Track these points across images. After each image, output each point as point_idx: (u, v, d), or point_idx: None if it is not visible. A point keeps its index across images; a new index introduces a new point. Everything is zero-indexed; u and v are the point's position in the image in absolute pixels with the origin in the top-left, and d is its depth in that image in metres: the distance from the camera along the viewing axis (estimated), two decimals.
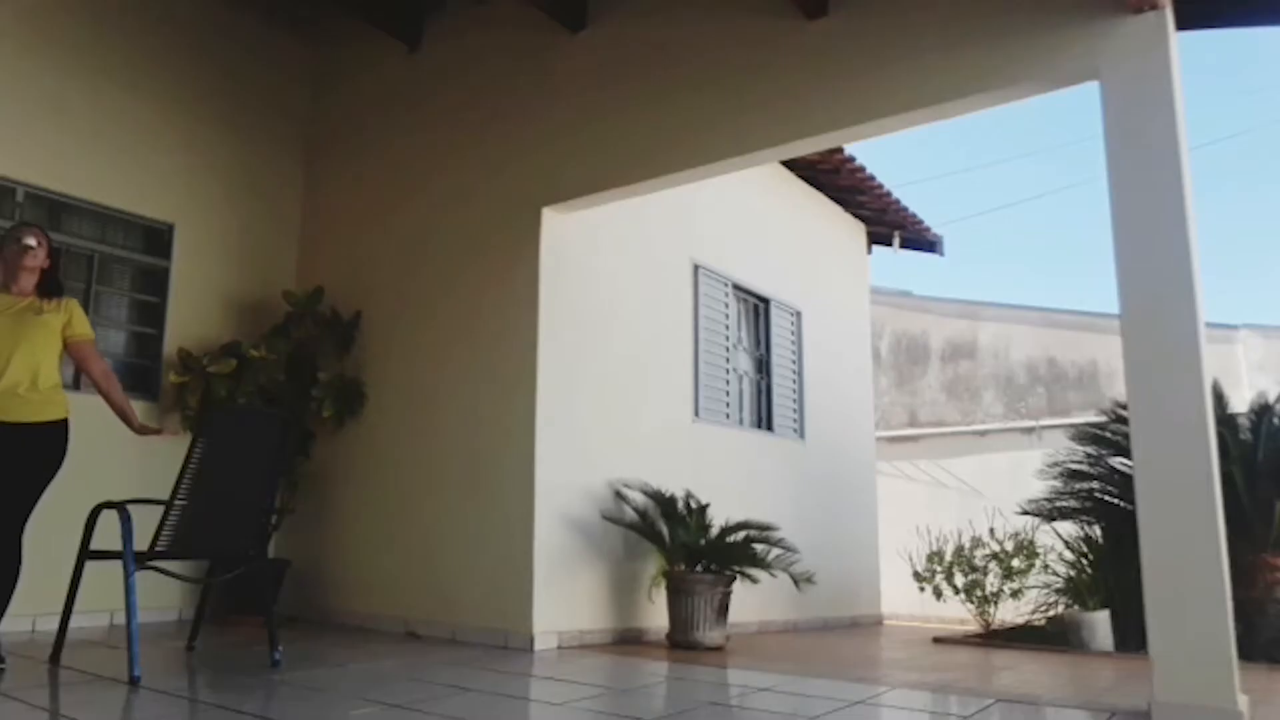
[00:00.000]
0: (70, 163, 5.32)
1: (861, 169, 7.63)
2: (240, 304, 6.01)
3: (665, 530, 5.31)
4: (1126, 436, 3.83)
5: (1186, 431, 3.23)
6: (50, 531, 4.56)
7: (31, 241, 3.60)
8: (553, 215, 5.17)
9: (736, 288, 6.93)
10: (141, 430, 3.86)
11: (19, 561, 3.51)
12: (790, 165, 7.41)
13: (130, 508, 3.51)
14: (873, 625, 7.84)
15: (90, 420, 5.21)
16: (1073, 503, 6.63)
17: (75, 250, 5.36)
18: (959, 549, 7.04)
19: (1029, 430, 11.57)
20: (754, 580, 5.38)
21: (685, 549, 5.23)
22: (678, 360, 6.19)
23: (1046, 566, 6.62)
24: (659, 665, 4.36)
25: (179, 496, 3.56)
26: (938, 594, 7.07)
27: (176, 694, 3.19)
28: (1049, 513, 6.72)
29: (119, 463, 5.21)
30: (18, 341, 3.49)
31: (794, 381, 7.44)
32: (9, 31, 5.14)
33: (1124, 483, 6.17)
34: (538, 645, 4.70)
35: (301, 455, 5.77)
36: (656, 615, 5.43)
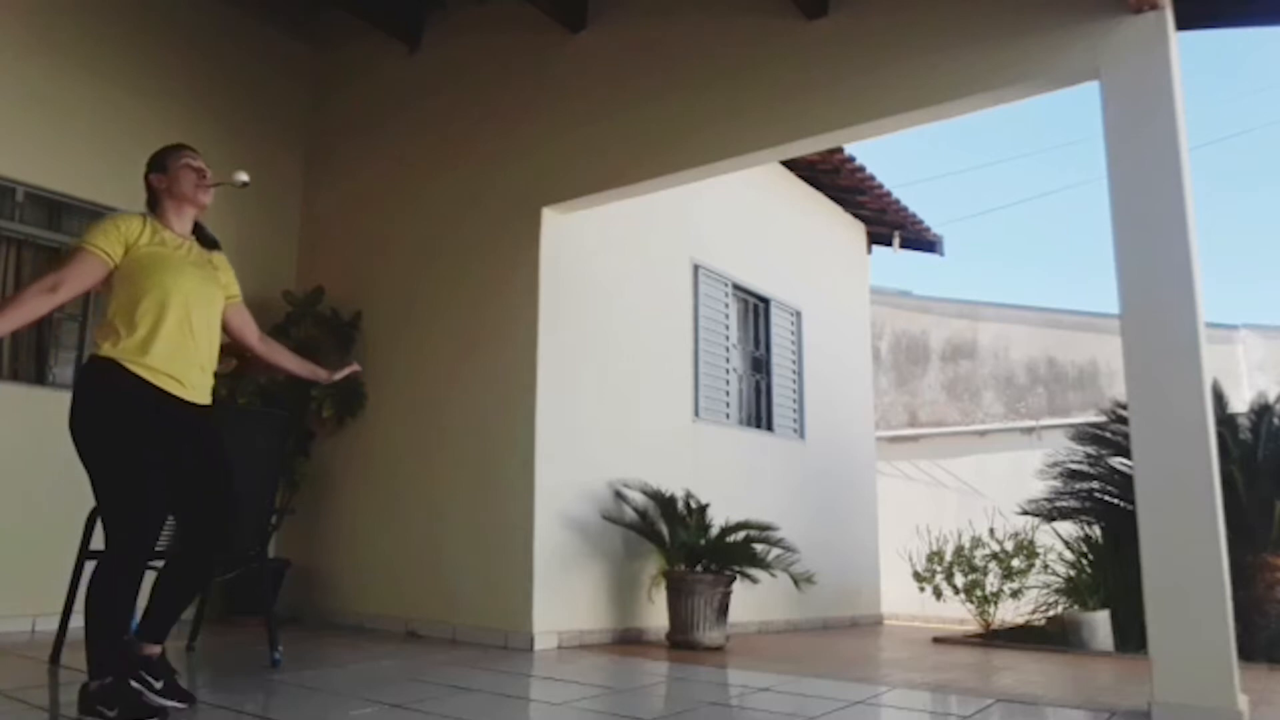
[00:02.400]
0: (70, 163, 5.31)
1: (861, 169, 7.63)
2: None
3: (665, 530, 5.31)
4: (1126, 436, 3.83)
5: (1186, 431, 3.23)
6: (50, 531, 4.57)
7: (242, 177, 3.08)
8: (553, 215, 5.17)
9: (736, 288, 6.94)
10: (330, 377, 3.27)
11: (210, 572, 2.93)
12: (790, 165, 7.41)
13: None
14: (873, 625, 7.84)
15: None
16: (1073, 503, 6.63)
17: None
18: (959, 549, 7.04)
19: (1029, 430, 11.58)
20: (754, 580, 5.38)
21: (685, 549, 5.23)
22: (678, 360, 6.19)
23: (1046, 566, 6.62)
24: (659, 665, 4.36)
25: None
26: (938, 594, 7.07)
27: None
28: (1049, 513, 6.72)
29: None
30: (208, 303, 2.83)
31: (794, 381, 7.44)
32: (9, 32, 5.14)
33: (1124, 483, 6.18)
34: (538, 645, 4.70)
35: (301, 455, 5.77)
36: (656, 615, 5.43)
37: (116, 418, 2.56)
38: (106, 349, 2.61)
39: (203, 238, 2.97)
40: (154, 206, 2.88)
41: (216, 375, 2.78)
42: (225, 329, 2.98)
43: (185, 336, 2.69)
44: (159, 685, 2.68)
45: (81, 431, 2.59)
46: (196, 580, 2.88)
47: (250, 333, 3.11)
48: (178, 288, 2.69)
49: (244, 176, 2.89)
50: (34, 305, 2.54)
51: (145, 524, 2.54)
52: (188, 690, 2.75)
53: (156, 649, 2.76)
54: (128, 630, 2.64)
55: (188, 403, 2.71)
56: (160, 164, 2.93)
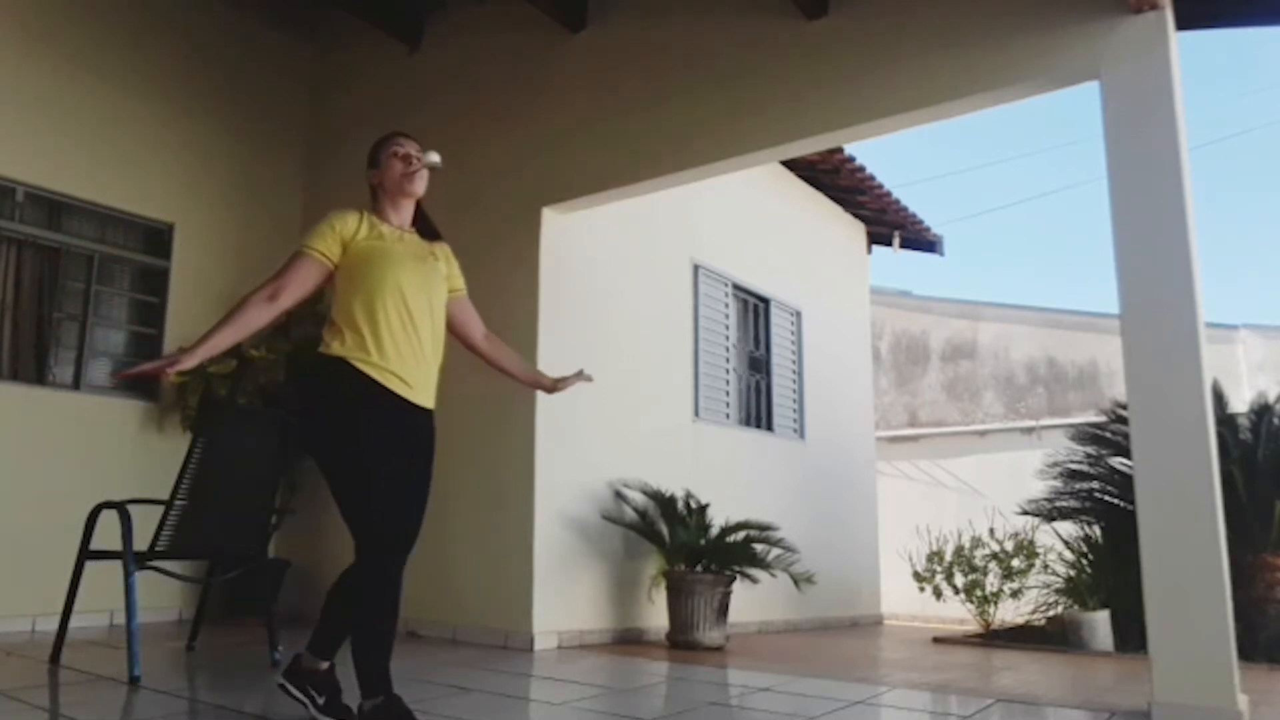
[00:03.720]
0: (70, 163, 5.32)
1: (861, 169, 7.63)
2: None
3: (665, 530, 5.31)
4: (1126, 436, 3.83)
5: (1186, 431, 3.23)
6: (50, 531, 4.57)
7: (434, 159, 2.72)
8: (553, 215, 5.17)
9: (736, 288, 6.93)
10: (555, 386, 3.09)
11: (400, 589, 2.70)
12: (790, 165, 7.41)
13: (130, 508, 3.51)
14: (873, 625, 7.84)
15: (90, 420, 5.24)
16: (1073, 503, 6.63)
17: (75, 250, 5.36)
18: (959, 549, 7.04)
19: (1029, 430, 11.57)
20: (754, 580, 5.38)
21: (685, 549, 5.23)
22: (678, 360, 6.19)
23: (1046, 566, 6.62)
24: (659, 665, 4.36)
25: (179, 496, 3.56)
26: (938, 594, 7.07)
27: (176, 694, 3.18)
28: (1049, 513, 6.72)
29: (119, 463, 5.22)
30: (430, 297, 2.62)
31: (794, 381, 7.44)
32: (9, 33, 5.14)
33: (1124, 483, 6.17)
34: (538, 645, 4.70)
35: (301, 455, 5.77)
36: (656, 615, 5.43)
37: (354, 419, 2.42)
38: (335, 348, 2.49)
39: (424, 229, 2.77)
40: (374, 200, 2.77)
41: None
42: (448, 324, 2.78)
43: (409, 334, 2.53)
44: (321, 701, 2.63)
45: (317, 435, 2.48)
46: (393, 604, 2.67)
47: (475, 329, 2.89)
48: (397, 282, 2.52)
49: (435, 157, 2.68)
50: (255, 315, 2.48)
51: (395, 527, 2.47)
52: (349, 707, 2.61)
53: (324, 665, 2.66)
54: (391, 642, 2.55)
55: (413, 405, 2.54)
56: (373, 158, 2.78)
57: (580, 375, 3.06)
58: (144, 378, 2.26)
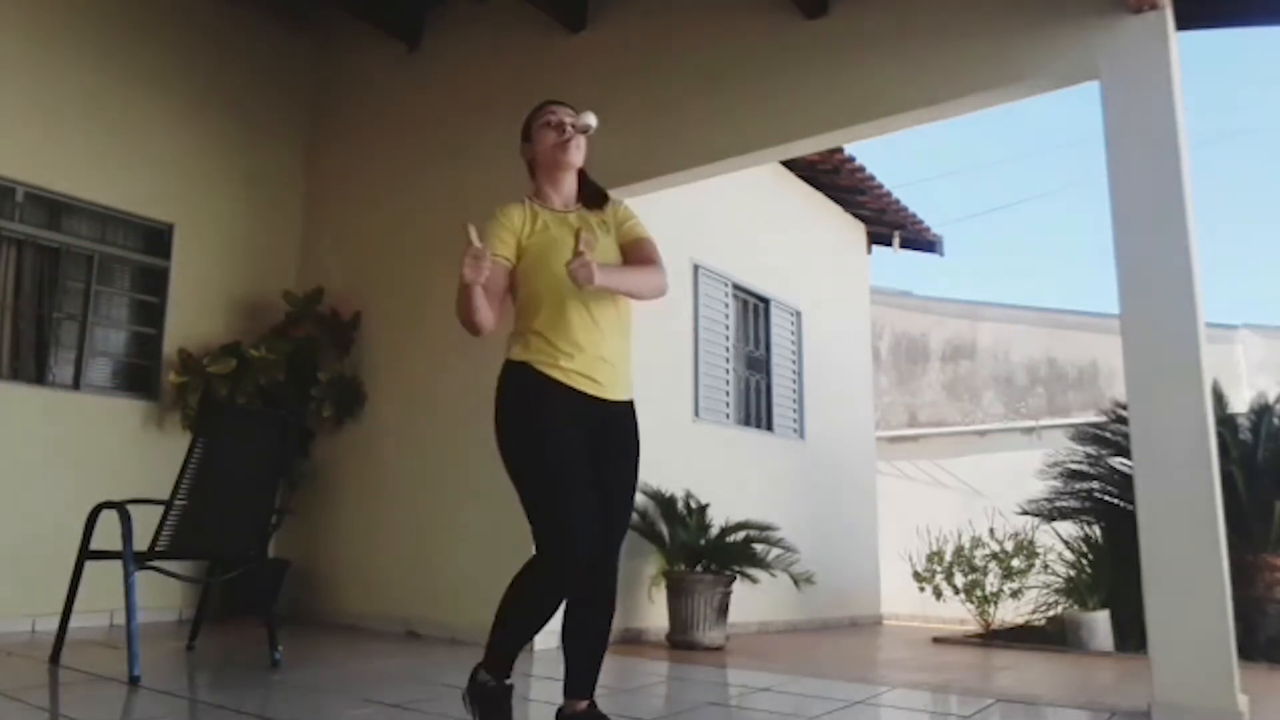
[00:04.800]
0: (70, 163, 5.32)
1: (861, 169, 7.63)
2: (240, 304, 6.01)
3: (665, 530, 5.31)
4: (1126, 436, 3.83)
5: (1186, 431, 3.23)
6: (50, 531, 4.57)
7: (588, 120, 2.49)
8: None
9: (736, 288, 6.93)
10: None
11: (614, 591, 2.50)
12: (790, 165, 7.41)
13: (130, 508, 3.51)
14: (873, 625, 7.84)
15: (90, 420, 5.24)
16: (1073, 503, 6.63)
17: (75, 250, 5.36)
18: (959, 549, 7.04)
19: (1029, 430, 11.57)
20: (754, 580, 5.38)
21: (685, 549, 5.22)
22: (678, 360, 6.19)
23: (1046, 566, 6.62)
24: (659, 665, 4.36)
25: (179, 496, 3.56)
26: (938, 594, 7.07)
27: (176, 694, 3.18)
28: (1049, 513, 6.72)
29: (119, 463, 5.22)
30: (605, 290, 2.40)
31: (794, 381, 7.44)
32: (10, 33, 5.14)
33: (1124, 483, 6.17)
34: (537, 645, 4.69)
35: (301, 455, 5.77)
36: (656, 615, 5.43)
37: (536, 425, 2.31)
38: (518, 352, 2.39)
39: (589, 195, 2.56)
40: (533, 179, 2.62)
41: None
42: None
43: (589, 328, 2.36)
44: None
45: (505, 442, 2.38)
46: (601, 605, 2.46)
47: (649, 267, 2.58)
48: (566, 275, 2.26)
49: (590, 119, 2.44)
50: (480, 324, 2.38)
51: (574, 542, 2.27)
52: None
53: (581, 704, 2.47)
54: (526, 641, 2.49)
55: (607, 401, 2.40)
56: (524, 132, 2.61)
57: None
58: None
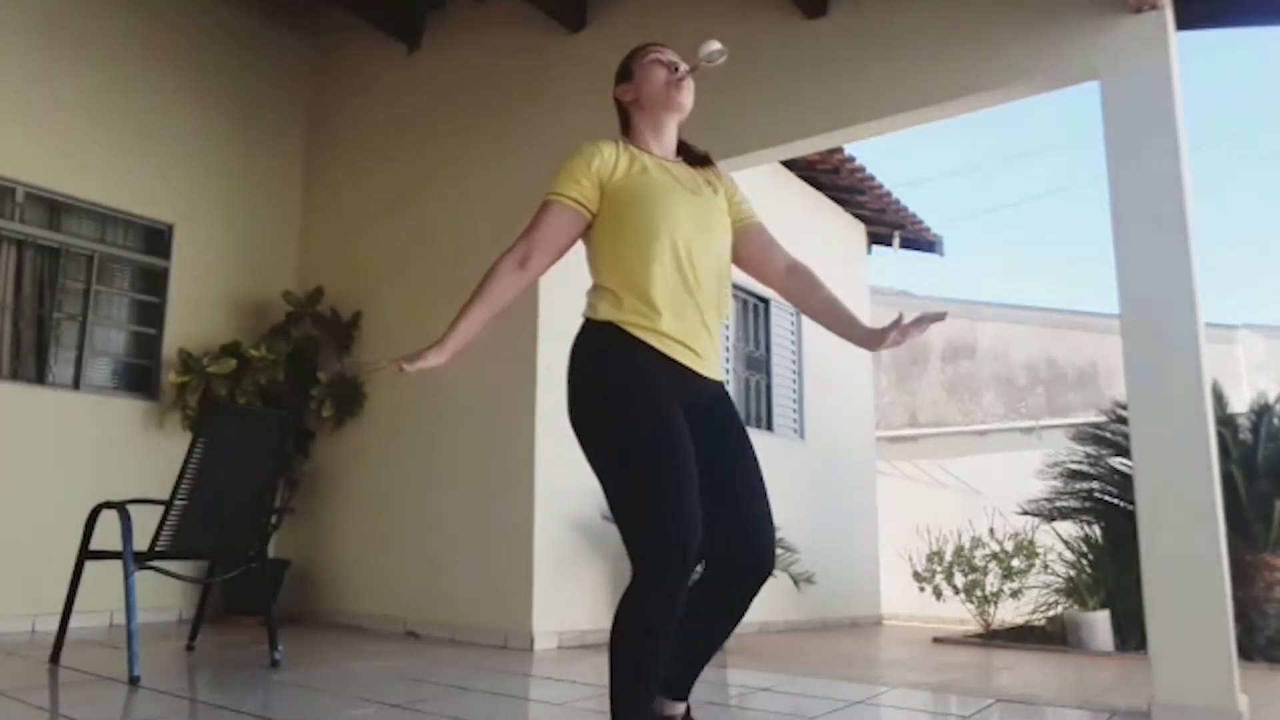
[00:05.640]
0: (70, 163, 5.32)
1: (861, 169, 7.63)
2: (240, 304, 6.01)
3: None
4: (1126, 436, 3.83)
5: (1186, 431, 3.23)
6: (50, 531, 4.57)
7: (713, 48, 2.20)
8: None
9: (736, 287, 6.91)
10: (872, 340, 2.23)
11: (746, 598, 2.10)
12: (790, 165, 7.41)
13: (130, 508, 3.51)
14: (873, 625, 7.84)
15: (90, 420, 5.24)
16: (1073, 503, 6.63)
17: (75, 250, 5.36)
18: (959, 549, 7.04)
19: (1029, 430, 11.57)
20: None
21: None
22: None
23: (1046, 566, 6.62)
24: None
25: (179, 496, 3.56)
26: (938, 594, 7.06)
27: (176, 694, 3.18)
28: (1049, 513, 6.72)
29: (119, 463, 5.22)
30: (714, 240, 2.11)
31: (794, 381, 7.44)
32: (9, 33, 5.14)
33: (1124, 483, 6.17)
34: (538, 645, 4.70)
35: (301, 455, 5.77)
36: None
37: (638, 399, 1.92)
38: (605, 311, 2.00)
39: (690, 154, 2.27)
40: (626, 127, 2.27)
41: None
42: (740, 262, 2.26)
43: (692, 291, 2.01)
44: None
45: (587, 418, 1.99)
46: (730, 609, 2.09)
47: (775, 259, 2.29)
48: (674, 226, 2.00)
49: (715, 46, 2.17)
50: (506, 286, 2.03)
51: (684, 537, 1.84)
52: None
53: (679, 707, 2.16)
54: (658, 678, 1.98)
55: (703, 378, 2.04)
56: (623, 71, 2.29)
57: (934, 318, 2.11)
58: (394, 368, 1.89)
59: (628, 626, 1.92)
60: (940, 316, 2.10)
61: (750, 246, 2.26)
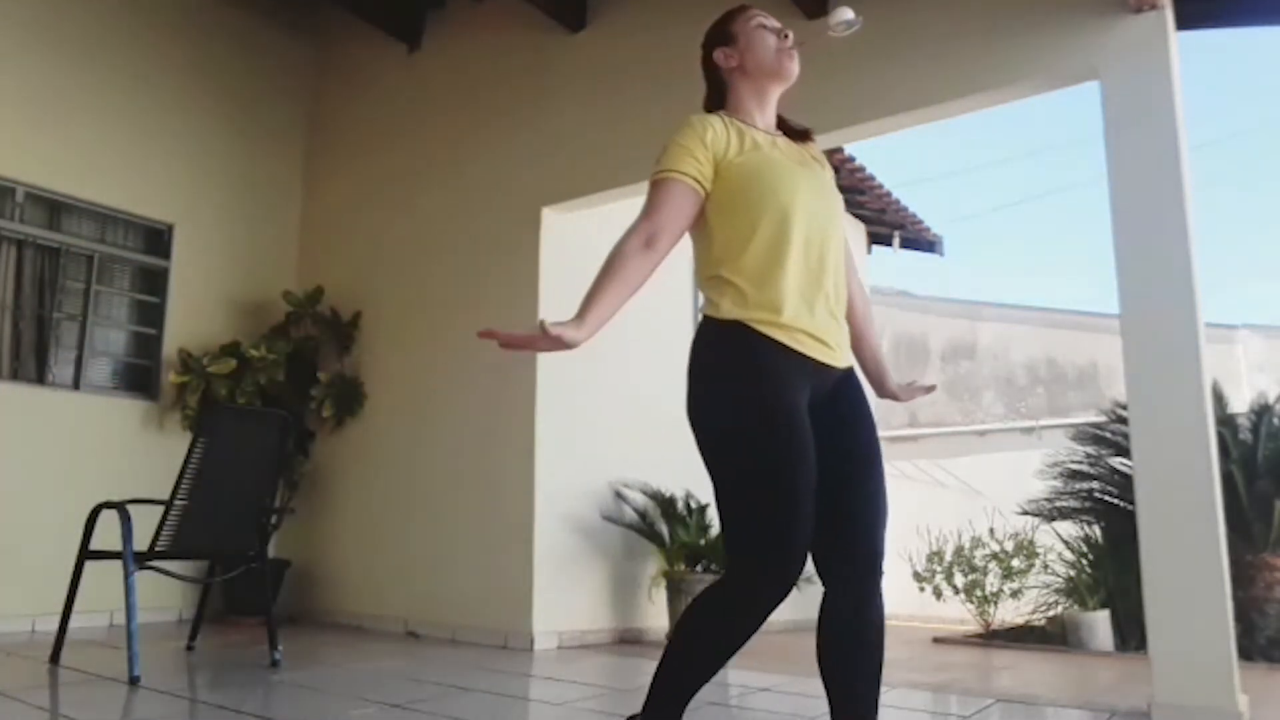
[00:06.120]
0: (70, 163, 5.32)
1: (861, 169, 7.63)
2: (240, 304, 6.01)
3: (665, 530, 5.31)
4: (1126, 436, 3.83)
5: (1186, 431, 3.23)
6: (50, 531, 4.57)
7: (834, 10, 2.09)
8: (553, 215, 5.17)
9: None
10: (894, 392, 2.18)
11: (875, 604, 1.93)
12: None
13: (130, 508, 3.51)
14: None
15: (90, 420, 5.24)
16: (1073, 503, 6.63)
17: (75, 250, 5.36)
18: (959, 549, 7.04)
19: (1029, 430, 11.57)
20: None
21: (685, 549, 5.22)
22: (678, 360, 6.17)
23: (1046, 566, 6.62)
24: None
25: (179, 496, 3.56)
26: (938, 594, 7.06)
27: (176, 694, 3.19)
28: (1049, 513, 6.72)
29: (119, 463, 5.22)
30: (830, 221, 1.91)
31: None
32: (9, 32, 5.14)
33: (1124, 483, 6.17)
34: (538, 645, 4.70)
35: (301, 455, 5.77)
36: (657, 615, 5.43)
37: (762, 402, 1.76)
38: (728, 308, 1.81)
39: (790, 129, 2.08)
40: (720, 99, 2.08)
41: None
42: None
43: (818, 276, 1.84)
44: None
45: (709, 419, 1.82)
46: (862, 620, 1.91)
47: (852, 272, 2.03)
48: (794, 208, 1.82)
49: (848, 14, 2.06)
50: (635, 269, 1.81)
51: (791, 548, 1.73)
52: None
53: None
54: (707, 681, 1.95)
55: (835, 369, 1.87)
56: (723, 34, 2.09)
57: (924, 389, 2.19)
58: (516, 347, 1.74)
59: (706, 620, 1.84)
60: (931, 388, 2.18)
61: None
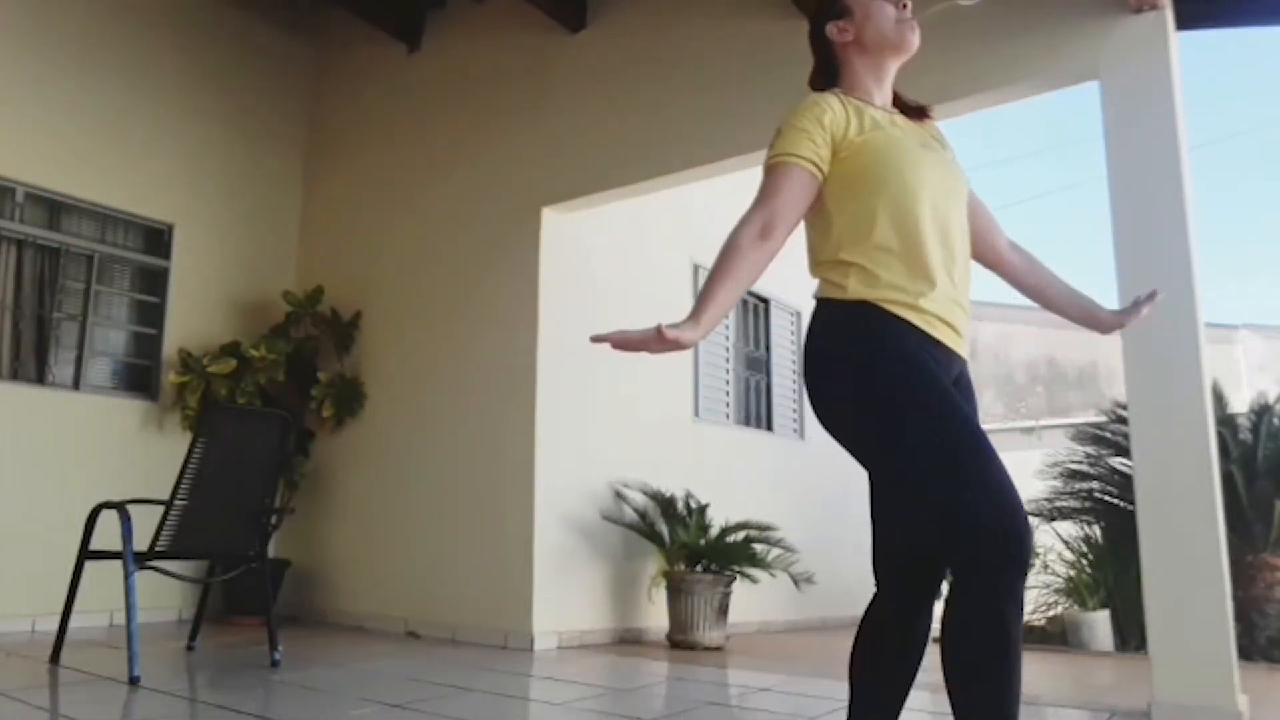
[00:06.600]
0: (70, 163, 5.32)
1: None
2: (240, 304, 6.01)
3: (665, 530, 5.31)
4: (1126, 436, 3.83)
5: (1186, 431, 3.23)
6: (50, 531, 4.57)
7: None
8: (553, 215, 5.17)
9: None
10: (1116, 321, 2.10)
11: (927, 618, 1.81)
12: None
13: (130, 508, 3.51)
14: None
15: (90, 420, 5.24)
16: (1073, 503, 6.63)
17: (75, 250, 5.36)
18: None
19: (1029, 430, 11.57)
20: (754, 580, 5.38)
21: (685, 549, 5.23)
22: (678, 360, 6.19)
23: (1046, 566, 6.62)
24: (659, 665, 4.36)
25: (179, 496, 3.56)
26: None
27: (176, 694, 3.19)
28: (1049, 513, 6.72)
29: (119, 463, 5.22)
30: (954, 200, 1.80)
31: (794, 381, 7.44)
32: (9, 32, 5.14)
33: (1124, 483, 6.17)
34: (538, 645, 4.70)
35: (301, 455, 5.77)
36: (656, 615, 5.43)
37: (918, 380, 1.61)
38: (856, 288, 1.70)
39: (906, 105, 1.95)
40: (832, 77, 1.95)
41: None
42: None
43: (945, 259, 1.72)
44: None
45: (862, 412, 1.66)
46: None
47: (997, 235, 1.99)
48: (922, 188, 1.72)
49: None
50: (752, 262, 1.72)
51: (1021, 519, 1.52)
52: None
53: None
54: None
55: (959, 357, 1.74)
56: (836, 6, 1.93)
57: (1148, 299, 2.04)
58: (630, 349, 1.63)
59: (971, 644, 1.59)
60: (1153, 295, 2.04)
61: (979, 216, 1.93)
